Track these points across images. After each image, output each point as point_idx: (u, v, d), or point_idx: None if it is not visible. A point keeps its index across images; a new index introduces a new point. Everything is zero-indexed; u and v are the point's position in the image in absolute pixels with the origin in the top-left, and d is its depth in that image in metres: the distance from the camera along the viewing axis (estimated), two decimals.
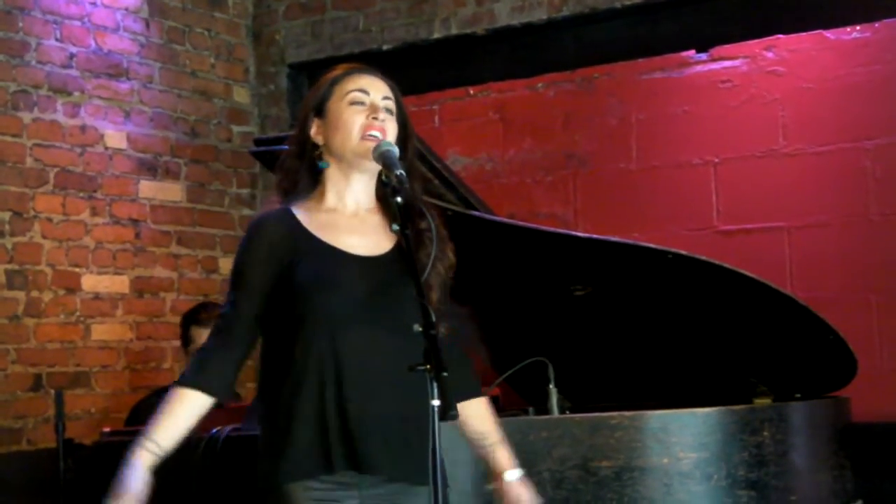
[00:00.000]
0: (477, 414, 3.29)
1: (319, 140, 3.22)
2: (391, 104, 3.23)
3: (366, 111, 3.17)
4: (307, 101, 3.30)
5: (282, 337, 3.11)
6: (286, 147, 3.33)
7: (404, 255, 2.99)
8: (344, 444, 3.01)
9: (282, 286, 3.11)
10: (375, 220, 3.22)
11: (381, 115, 3.18)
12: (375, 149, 3.10)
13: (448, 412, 2.71)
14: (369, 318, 3.05)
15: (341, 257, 3.14)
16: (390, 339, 3.00)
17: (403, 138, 3.24)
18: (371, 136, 3.14)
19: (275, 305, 3.14)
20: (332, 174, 3.22)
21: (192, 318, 5.65)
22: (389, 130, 3.18)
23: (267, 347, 3.20)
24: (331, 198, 3.22)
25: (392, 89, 3.27)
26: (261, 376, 3.21)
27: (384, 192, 3.14)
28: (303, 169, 3.25)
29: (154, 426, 3.11)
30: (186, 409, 3.14)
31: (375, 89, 3.22)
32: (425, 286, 3.00)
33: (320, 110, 3.24)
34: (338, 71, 3.29)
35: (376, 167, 3.13)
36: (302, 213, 3.20)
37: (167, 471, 4.03)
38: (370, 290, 3.09)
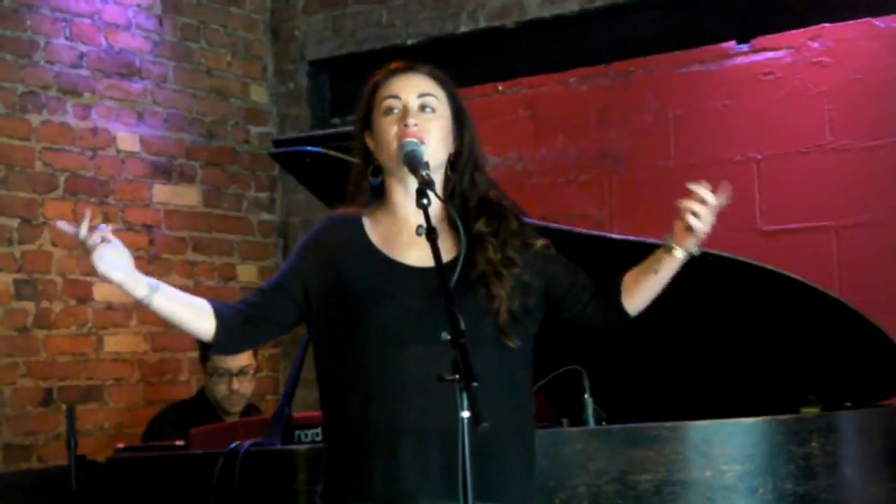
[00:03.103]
0: (627, 285, 3.37)
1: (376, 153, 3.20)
2: (430, 100, 3.18)
3: (398, 119, 3.15)
4: (357, 114, 3.28)
5: (341, 352, 3.13)
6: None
7: (467, 262, 3.02)
8: (404, 464, 3.04)
9: (335, 295, 3.15)
10: (441, 228, 3.09)
11: (412, 120, 3.12)
12: (399, 149, 3.05)
13: (479, 423, 2.61)
14: (427, 331, 2.98)
15: (400, 270, 3.15)
16: (449, 351, 2.83)
17: (459, 128, 3.19)
18: (406, 144, 3.09)
19: (330, 317, 3.16)
20: (392, 184, 3.22)
21: None
22: (427, 131, 3.13)
23: (326, 361, 3.20)
24: (393, 208, 3.22)
25: (432, 79, 3.20)
26: (323, 391, 3.22)
27: (444, 197, 3.15)
28: (367, 183, 3.26)
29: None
30: (198, 305, 3.13)
31: (408, 90, 3.18)
32: (496, 299, 3.08)
33: (368, 122, 3.23)
34: (377, 76, 3.26)
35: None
36: (369, 223, 3.23)
37: (185, 486, 3.95)
38: (429, 301, 3.03)
